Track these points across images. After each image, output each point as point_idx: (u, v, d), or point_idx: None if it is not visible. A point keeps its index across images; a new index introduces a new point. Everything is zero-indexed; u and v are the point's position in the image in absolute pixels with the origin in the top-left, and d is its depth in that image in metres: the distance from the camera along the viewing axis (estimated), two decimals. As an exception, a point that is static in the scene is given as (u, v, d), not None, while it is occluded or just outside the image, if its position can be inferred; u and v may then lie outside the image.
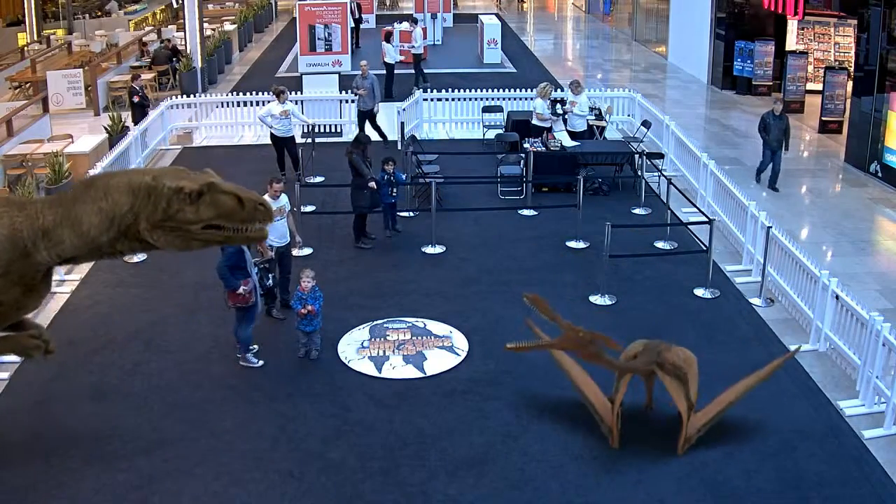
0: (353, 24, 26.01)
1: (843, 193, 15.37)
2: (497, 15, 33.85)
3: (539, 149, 14.82)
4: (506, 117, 17.85)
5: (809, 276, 10.13)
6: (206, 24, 26.54)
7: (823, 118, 18.68)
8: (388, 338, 10.09)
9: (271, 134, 15.32)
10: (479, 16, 28.88)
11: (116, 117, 16.75)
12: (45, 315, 10.42)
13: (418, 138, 17.00)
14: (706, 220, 11.78)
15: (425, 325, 10.37)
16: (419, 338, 10.09)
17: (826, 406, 8.79)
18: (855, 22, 18.46)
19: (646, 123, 16.89)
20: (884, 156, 15.47)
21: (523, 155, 14.86)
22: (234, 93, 19.42)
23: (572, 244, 12.63)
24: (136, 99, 18.16)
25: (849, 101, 17.68)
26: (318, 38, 19.34)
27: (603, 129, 17.08)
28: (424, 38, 25.01)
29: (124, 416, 8.57)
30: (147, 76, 22.32)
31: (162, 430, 8.34)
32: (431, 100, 18.87)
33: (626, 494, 7.47)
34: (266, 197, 10.26)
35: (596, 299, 10.95)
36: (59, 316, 10.65)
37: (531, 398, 8.87)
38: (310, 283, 9.36)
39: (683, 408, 7.90)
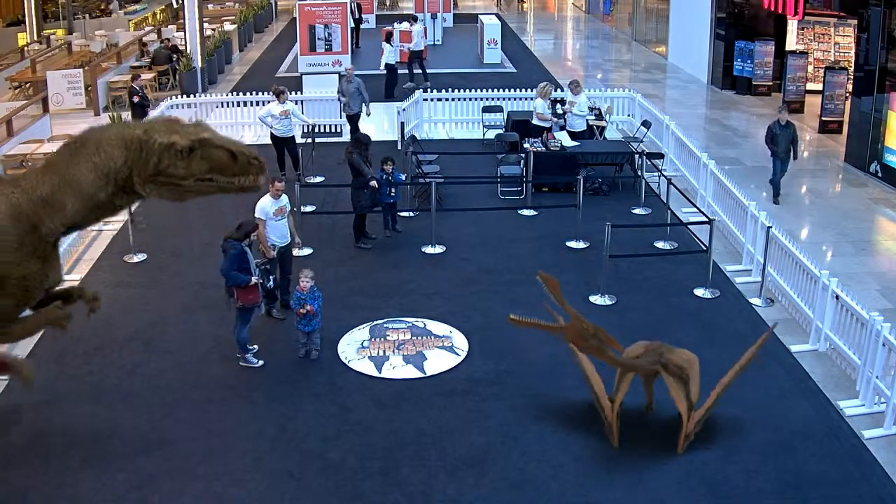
0: (353, 24, 26.01)
1: (843, 193, 15.37)
2: (497, 15, 33.85)
3: (539, 149, 14.82)
4: (506, 117, 17.85)
5: (809, 276, 10.13)
6: (206, 24, 26.54)
7: (823, 118, 18.67)
8: (388, 338, 10.09)
9: (271, 134, 15.32)
10: (479, 16, 28.87)
11: (116, 117, 16.71)
12: (45, 315, 10.42)
13: (418, 138, 17.00)
14: (706, 220, 11.78)
15: (425, 325, 10.37)
16: (419, 338, 10.09)
17: (826, 406, 8.79)
18: (855, 22, 18.47)
19: (646, 123, 16.89)
20: (884, 156, 15.47)
21: (523, 155, 14.86)
22: (234, 93, 19.44)
23: (572, 244, 12.64)
24: (136, 99, 18.18)
25: (848, 101, 17.68)
26: (318, 38, 19.37)
27: (603, 129, 17.08)
28: (425, 37, 24.99)
29: (124, 416, 8.57)
30: (147, 76, 22.32)
31: (162, 430, 8.34)
32: (431, 100, 18.87)
33: (626, 494, 7.47)
34: (267, 196, 10.29)
35: (596, 299, 10.95)
36: (59, 316, 10.64)
37: (531, 398, 8.87)
38: (308, 283, 9.37)
39: (683, 408, 7.90)
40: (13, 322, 7.35)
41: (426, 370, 9.43)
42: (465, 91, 19.00)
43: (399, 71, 22.17)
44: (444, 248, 12.55)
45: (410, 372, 9.40)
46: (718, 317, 10.57)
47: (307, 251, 12.35)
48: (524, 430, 8.35)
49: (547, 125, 15.86)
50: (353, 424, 8.45)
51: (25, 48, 27.39)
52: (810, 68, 21.29)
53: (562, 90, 18.84)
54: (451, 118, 18.88)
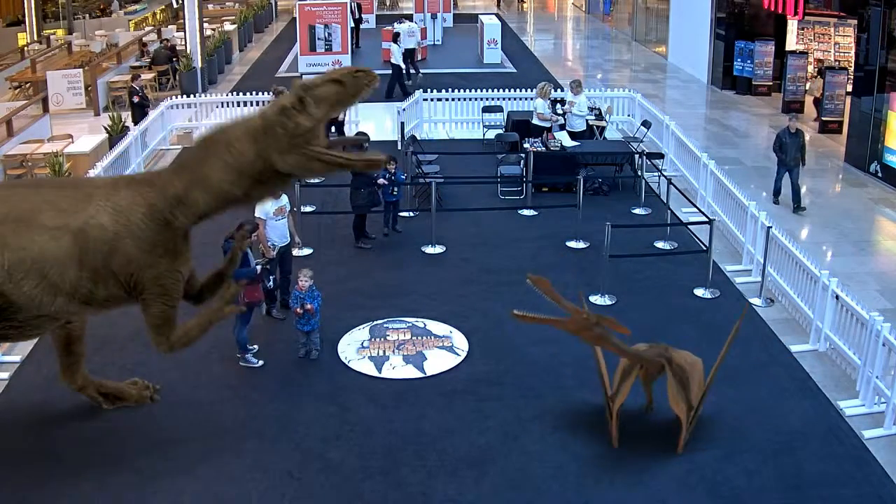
0: (353, 24, 26.01)
1: (843, 193, 15.38)
2: (497, 15, 33.85)
3: (539, 149, 14.82)
4: (506, 117, 17.86)
5: (809, 276, 10.13)
6: (206, 24, 26.54)
7: (823, 118, 18.68)
8: (388, 338, 10.09)
9: (271, 134, 15.29)
10: (479, 16, 28.88)
11: (116, 117, 16.75)
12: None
13: (418, 138, 16.99)
14: (706, 220, 11.78)
15: (425, 325, 10.37)
16: (419, 338, 10.09)
17: (826, 406, 8.79)
18: (855, 22, 18.47)
19: (646, 123, 16.89)
20: (884, 156, 15.47)
21: (523, 155, 14.86)
22: (234, 93, 19.44)
23: (572, 244, 12.64)
24: (136, 99, 18.18)
25: (848, 101, 17.69)
26: (318, 38, 19.40)
27: (603, 129, 17.08)
28: (424, 37, 25.03)
29: (124, 416, 8.57)
30: (147, 76, 22.32)
31: (162, 430, 8.33)
32: (431, 100, 18.87)
33: (626, 494, 7.47)
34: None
35: (596, 299, 10.95)
36: (59, 316, 10.64)
37: (531, 398, 8.86)
38: (307, 283, 9.37)
39: (682, 410, 7.88)
40: (171, 328, 7.56)
41: (426, 370, 9.42)
42: (465, 91, 19.00)
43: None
44: (444, 248, 12.55)
45: (410, 372, 9.40)
46: (718, 317, 10.56)
47: (307, 251, 12.35)
48: (524, 430, 8.35)
49: (548, 125, 15.86)
50: (353, 424, 8.44)
51: (25, 48, 27.39)
52: (810, 68, 21.31)
53: (561, 90, 18.85)
54: (451, 118, 18.89)
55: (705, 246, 11.40)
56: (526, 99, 18.28)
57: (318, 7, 19.35)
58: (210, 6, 35.53)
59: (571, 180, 13.87)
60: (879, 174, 15.60)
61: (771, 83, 22.06)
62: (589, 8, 39.93)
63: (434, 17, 30.05)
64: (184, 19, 23.85)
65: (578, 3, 42.41)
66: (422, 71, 23.31)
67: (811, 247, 12.26)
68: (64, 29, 32.13)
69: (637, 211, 13.96)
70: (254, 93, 18.55)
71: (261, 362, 9.48)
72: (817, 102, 19.50)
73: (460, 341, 9.99)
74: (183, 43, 24.12)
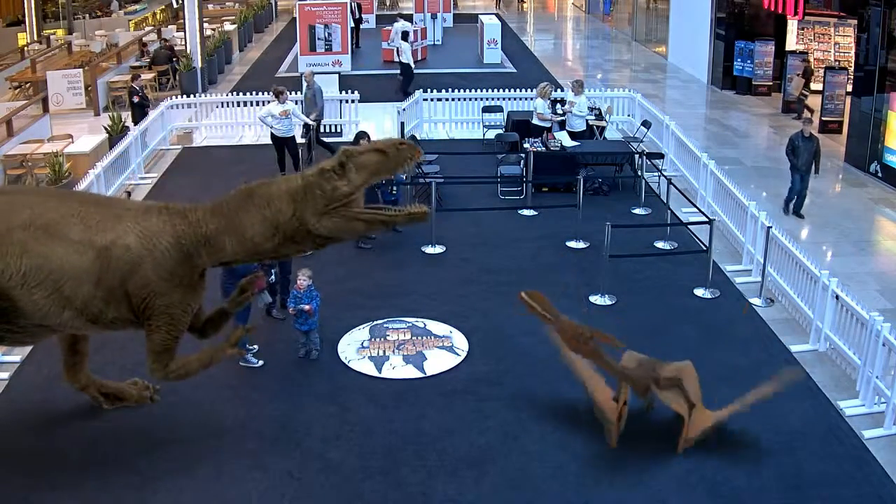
0: (353, 24, 26.02)
1: (843, 193, 15.38)
2: (497, 15, 33.85)
3: (539, 149, 14.82)
4: (506, 117, 17.86)
5: (809, 276, 10.13)
6: (206, 24, 26.55)
7: (823, 118, 18.67)
8: (388, 338, 10.09)
9: (272, 134, 15.33)
10: (479, 16, 28.88)
11: (116, 117, 16.76)
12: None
13: (418, 138, 16.99)
14: (706, 220, 11.78)
15: (425, 325, 10.37)
16: (419, 338, 10.09)
17: (826, 406, 8.79)
18: (855, 22, 18.47)
19: (646, 123, 16.89)
20: (884, 156, 15.47)
21: (523, 155, 14.86)
22: (234, 93, 19.44)
23: (572, 244, 12.63)
24: (136, 99, 18.18)
25: (848, 101, 17.69)
26: (318, 38, 19.35)
27: (603, 129, 17.08)
28: (417, 39, 25.08)
29: (124, 416, 8.57)
30: (147, 76, 22.33)
31: (162, 430, 8.33)
32: (431, 100, 18.88)
33: (626, 494, 7.47)
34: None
35: (596, 299, 10.95)
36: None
37: (531, 398, 8.87)
38: (306, 282, 9.37)
39: (684, 411, 7.88)
40: (170, 357, 7.57)
41: (426, 370, 9.42)
42: (465, 91, 19.01)
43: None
44: (444, 248, 12.55)
45: (410, 372, 9.40)
46: (718, 317, 10.56)
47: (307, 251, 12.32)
48: (524, 430, 8.35)
49: (549, 125, 15.86)
50: (353, 424, 8.44)
51: (25, 48, 27.40)
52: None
53: (562, 90, 18.84)
54: (451, 118, 18.89)
55: (705, 246, 11.40)
56: (526, 99, 18.28)
57: (318, 7, 19.29)
58: (210, 6, 35.54)
59: (571, 180, 13.87)
60: (879, 174, 15.60)
61: (771, 83, 22.06)
62: (589, 8, 39.94)
63: (434, 17, 30.06)
64: (184, 19, 23.86)
65: (578, 3, 42.41)
66: (422, 71, 23.30)
67: (811, 247, 12.26)
68: (64, 29, 32.13)
69: (637, 211, 13.96)
70: (254, 93, 18.55)
71: (261, 362, 9.48)
72: (798, 101, 19.58)
73: (460, 341, 9.99)
74: (183, 43, 24.12)
